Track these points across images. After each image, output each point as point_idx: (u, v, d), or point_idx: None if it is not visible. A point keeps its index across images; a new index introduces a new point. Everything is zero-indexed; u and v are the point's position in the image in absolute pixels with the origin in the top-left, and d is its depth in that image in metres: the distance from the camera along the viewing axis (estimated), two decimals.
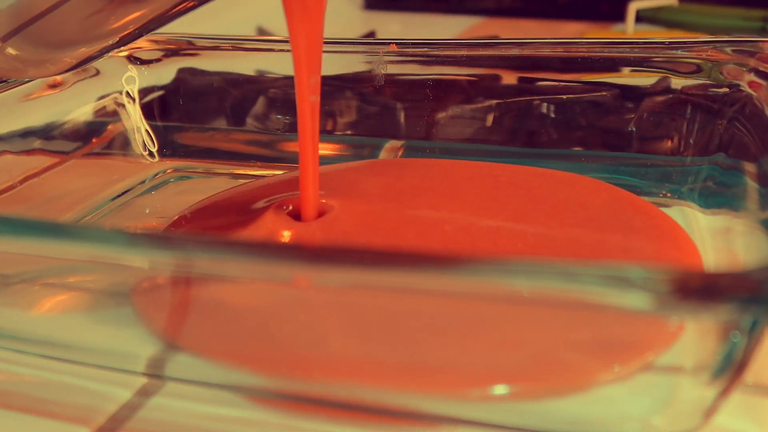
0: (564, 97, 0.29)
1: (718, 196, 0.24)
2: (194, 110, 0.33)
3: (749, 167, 0.22)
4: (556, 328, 0.16)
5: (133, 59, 0.32)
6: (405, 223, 0.23)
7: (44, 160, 0.29)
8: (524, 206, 0.24)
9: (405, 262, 0.14)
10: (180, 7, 0.21)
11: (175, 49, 0.33)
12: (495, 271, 0.14)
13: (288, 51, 0.32)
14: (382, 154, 0.31)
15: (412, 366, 0.17)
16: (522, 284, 0.14)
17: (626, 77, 0.28)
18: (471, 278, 0.14)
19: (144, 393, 0.19)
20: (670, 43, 0.27)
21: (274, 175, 0.31)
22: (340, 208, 0.24)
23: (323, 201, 0.25)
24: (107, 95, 0.32)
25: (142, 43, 0.32)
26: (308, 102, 0.23)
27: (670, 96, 0.27)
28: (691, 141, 0.27)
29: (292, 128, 0.32)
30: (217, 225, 0.25)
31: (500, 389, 0.17)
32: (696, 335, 0.15)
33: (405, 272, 0.14)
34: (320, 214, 0.24)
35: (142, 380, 0.20)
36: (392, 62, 0.31)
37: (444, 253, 0.14)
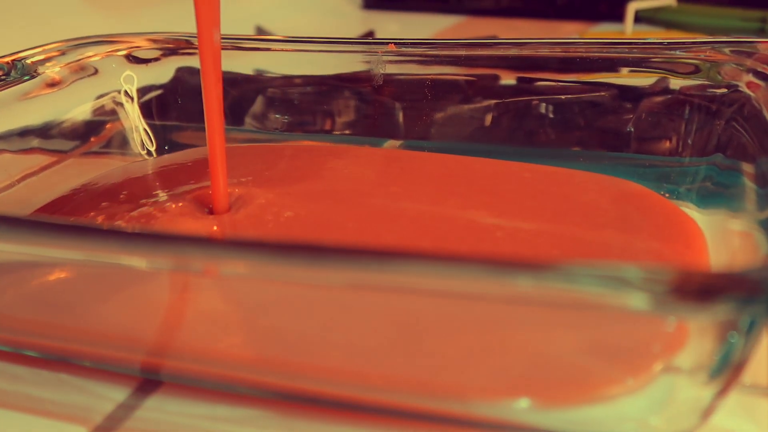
0: (562, 97, 0.29)
1: (715, 197, 0.24)
2: (193, 109, 0.33)
3: (747, 168, 0.22)
4: (560, 336, 0.16)
5: (131, 58, 0.32)
6: (353, 219, 0.23)
7: (42, 159, 0.29)
8: (526, 204, 0.24)
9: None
10: None
11: (174, 48, 0.32)
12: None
13: (286, 51, 0.32)
14: None
15: (407, 370, 0.17)
16: (514, 284, 0.14)
17: (625, 77, 0.28)
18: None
19: (141, 392, 0.19)
20: (669, 43, 0.27)
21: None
22: (265, 199, 0.24)
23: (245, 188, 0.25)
24: (105, 94, 0.32)
25: (140, 42, 0.32)
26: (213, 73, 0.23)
27: (669, 96, 0.27)
28: (689, 141, 0.27)
29: (291, 128, 0.32)
30: (112, 214, 0.25)
31: (501, 403, 0.17)
32: (694, 335, 0.15)
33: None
34: (239, 204, 0.24)
35: (140, 379, 0.20)
36: (391, 62, 0.31)
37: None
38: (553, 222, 0.23)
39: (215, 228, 0.23)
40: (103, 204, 0.26)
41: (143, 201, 0.26)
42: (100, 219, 0.25)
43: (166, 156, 0.31)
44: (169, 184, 0.27)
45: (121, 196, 0.26)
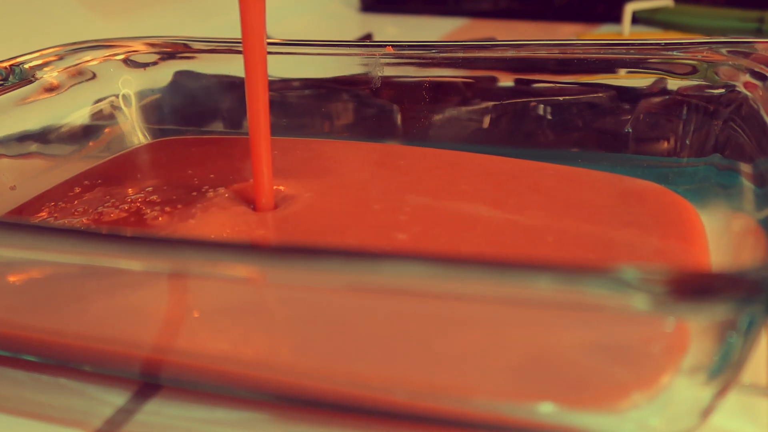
0: (560, 98, 0.29)
1: (714, 197, 0.24)
2: (191, 113, 0.33)
3: (745, 168, 0.22)
4: (566, 342, 0.16)
5: (129, 62, 0.32)
6: (386, 218, 0.23)
7: (41, 164, 0.29)
8: (536, 202, 0.24)
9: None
10: None
11: (172, 52, 0.33)
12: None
13: (285, 53, 0.32)
14: None
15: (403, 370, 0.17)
16: (516, 286, 0.14)
17: (622, 78, 0.28)
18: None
19: (140, 396, 0.19)
20: (666, 44, 0.27)
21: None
22: (310, 196, 0.24)
23: (281, 187, 0.24)
24: (104, 98, 0.32)
25: (138, 46, 0.32)
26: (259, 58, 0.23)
27: (666, 97, 0.27)
28: (687, 142, 0.27)
29: (289, 131, 0.32)
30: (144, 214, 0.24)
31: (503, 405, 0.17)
32: (693, 336, 0.15)
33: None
34: (281, 202, 0.24)
35: (139, 383, 0.20)
36: (389, 64, 0.31)
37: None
38: (591, 222, 0.23)
39: (259, 226, 0.23)
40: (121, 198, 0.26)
41: (173, 197, 0.25)
42: (133, 217, 0.24)
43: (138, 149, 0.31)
44: (193, 178, 0.27)
45: (143, 192, 0.26)
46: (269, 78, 0.32)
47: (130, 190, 0.26)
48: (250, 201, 0.24)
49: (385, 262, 0.14)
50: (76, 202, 0.26)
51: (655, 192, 0.25)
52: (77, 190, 0.27)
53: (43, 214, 0.25)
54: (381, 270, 0.14)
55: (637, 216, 0.23)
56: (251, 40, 0.23)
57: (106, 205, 0.25)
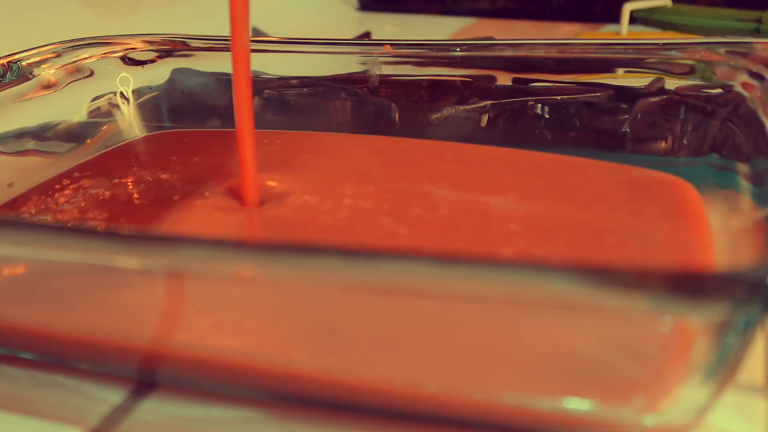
0: (558, 98, 0.29)
1: (711, 196, 0.24)
2: (188, 111, 0.33)
3: (742, 167, 0.22)
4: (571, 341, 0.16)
5: (127, 60, 0.32)
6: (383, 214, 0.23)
7: (38, 161, 0.29)
8: (553, 194, 0.24)
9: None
10: None
11: (170, 50, 0.32)
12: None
13: (282, 52, 0.32)
14: None
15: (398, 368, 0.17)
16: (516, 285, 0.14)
17: (620, 78, 0.29)
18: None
19: (137, 394, 0.19)
20: (664, 44, 0.27)
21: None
22: (300, 191, 0.24)
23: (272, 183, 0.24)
24: (101, 96, 0.32)
25: (136, 43, 0.32)
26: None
27: (664, 97, 0.27)
28: (684, 141, 0.27)
29: (287, 127, 0.32)
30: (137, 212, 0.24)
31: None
32: (691, 335, 0.15)
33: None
34: (270, 199, 0.24)
35: (136, 381, 0.20)
36: (387, 63, 0.31)
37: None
38: (636, 216, 0.23)
39: (243, 224, 0.23)
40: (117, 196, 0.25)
41: (166, 192, 0.25)
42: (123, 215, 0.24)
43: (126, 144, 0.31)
44: (179, 173, 0.26)
45: (134, 187, 0.26)
46: (267, 76, 0.32)
47: (116, 185, 0.26)
48: (239, 196, 0.24)
49: (387, 261, 0.14)
50: (56, 195, 0.26)
51: (677, 184, 0.25)
52: (66, 182, 0.27)
53: (26, 208, 0.25)
54: (380, 269, 0.14)
55: (662, 208, 0.23)
56: (235, 31, 0.22)
57: (91, 199, 0.25)
